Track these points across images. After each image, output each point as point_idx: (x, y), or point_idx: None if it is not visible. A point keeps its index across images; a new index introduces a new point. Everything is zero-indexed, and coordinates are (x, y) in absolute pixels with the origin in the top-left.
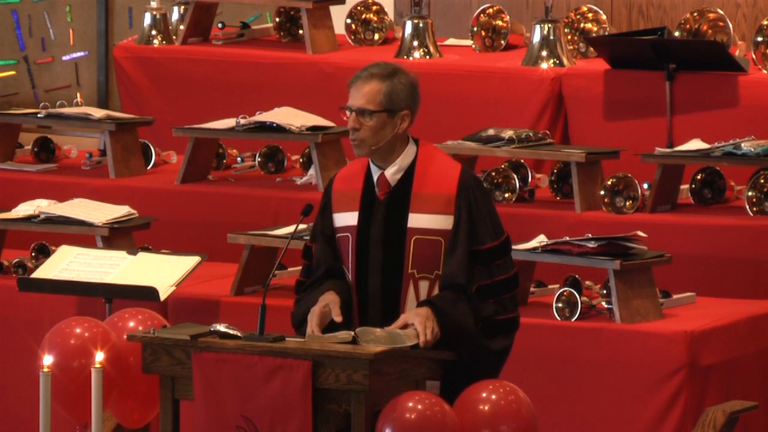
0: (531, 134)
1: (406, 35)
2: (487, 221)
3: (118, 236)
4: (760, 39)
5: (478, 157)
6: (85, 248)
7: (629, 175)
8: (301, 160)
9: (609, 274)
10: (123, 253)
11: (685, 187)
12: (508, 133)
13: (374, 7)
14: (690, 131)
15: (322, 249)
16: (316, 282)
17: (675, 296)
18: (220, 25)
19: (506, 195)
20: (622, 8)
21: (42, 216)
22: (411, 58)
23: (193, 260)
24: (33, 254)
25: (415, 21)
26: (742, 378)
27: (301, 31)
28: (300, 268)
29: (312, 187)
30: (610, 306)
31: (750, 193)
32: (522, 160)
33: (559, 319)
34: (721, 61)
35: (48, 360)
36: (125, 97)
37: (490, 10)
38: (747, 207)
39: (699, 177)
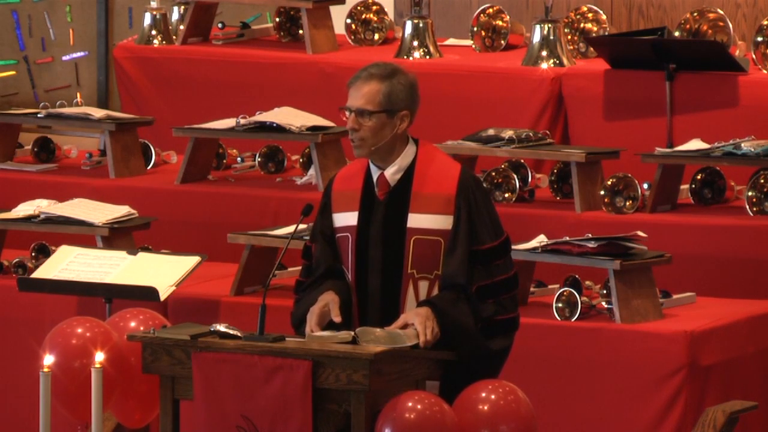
0: (531, 134)
1: (406, 35)
2: (487, 221)
3: (118, 236)
4: (760, 39)
5: (478, 157)
6: (85, 248)
7: (629, 175)
8: (301, 160)
9: (609, 274)
10: (123, 253)
11: (685, 187)
12: (508, 133)
13: (374, 7)
14: (690, 131)
15: (321, 249)
16: (315, 282)
17: (675, 296)
18: (220, 25)
19: (506, 195)
20: (622, 8)
21: (42, 216)
22: (411, 58)
23: (193, 260)
24: (33, 254)
25: (415, 21)
26: (742, 378)
27: (301, 31)
28: (300, 268)
29: (312, 187)
30: (610, 306)
31: (750, 193)
32: (522, 160)
33: (559, 319)
34: (721, 61)
35: (49, 360)
36: (125, 97)
37: (490, 10)
38: (747, 207)
39: (699, 177)
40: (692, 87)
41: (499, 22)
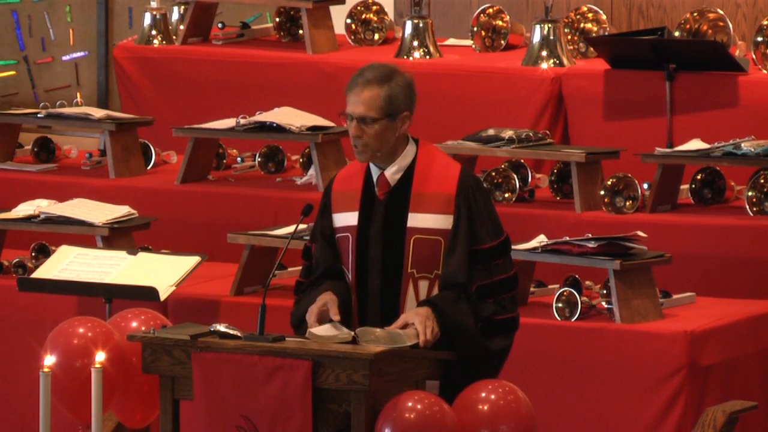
0: (531, 134)
1: (406, 35)
2: (487, 221)
3: (118, 236)
4: (760, 39)
5: (478, 157)
6: (85, 248)
7: (629, 175)
8: (301, 160)
9: (609, 274)
10: (123, 253)
11: (685, 187)
12: (508, 133)
13: (374, 7)
14: (690, 131)
15: (321, 249)
16: (314, 283)
17: (675, 296)
18: (220, 25)
19: (506, 195)
20: (622, 8)
21: (42, 216)
22: (411, 58)
23: (193, 260)
24: (33, 254)
25: (415, 21)
26: (742, 378)
27: (301, 31)
28: (300, 268)
29: (312, 187)
30: (610, 306)
31: (750, 193)
32: (522, 160)
33: (559, 319)
34: (721, 61)
35: (49, 360)
36: (125, 97)
37: (490, 10)
38: (747, 207)
39: (699, 177)
40: (692, 87)
41: (499, 22)
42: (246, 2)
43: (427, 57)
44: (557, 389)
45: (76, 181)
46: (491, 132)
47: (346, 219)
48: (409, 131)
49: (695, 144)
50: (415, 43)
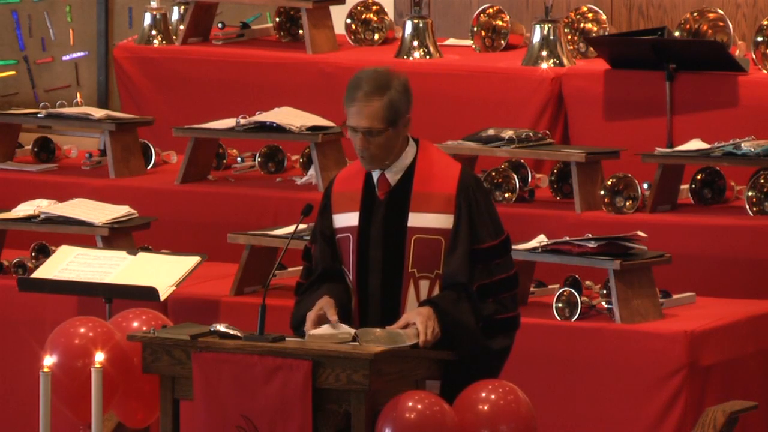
0: (531, 134)
1: (406, 35)
2: (487, 220)
3: (118, 236)
4: (760, 39)
5: (478, 157)
6: (85, 248)
7: (629, 175)
8: (301, 160)
9: (609, 274)
10: (123, 253)
11: (685, 187)
12: (508, 133)
13: (374, 7)
14: (690, 131)
15: (321, 250)
16: (312, 284)
17: (675, 296)
18: (220, 25)
19: (506, 195)
20: (622, 8)
21: (42, 216)
22: (411, 58)
23: (193, 260)
24: (33, 254)
25: (415, 21)
26: (742, 378)
27: (301, 31)
28: (300, 268)
29: (312, 187)
30: (610, 306)
31: (750, 193)
32: (522, 160)
33: (559, 319)
34: (721, 61)
35: (49, 360)
36: (125, 97)
37: (490, 10)
38: (747, 207)
39: (699, 177)
40: (692, 87)
41: (499, 22)
42: (246, 2)
43: (427, 57)
44: (557, 389)
45: (76, 181)
46: (491, 132)
47: (346, 219)
48: (410, 131)
49: (695, 144)
50: (415, 43)
